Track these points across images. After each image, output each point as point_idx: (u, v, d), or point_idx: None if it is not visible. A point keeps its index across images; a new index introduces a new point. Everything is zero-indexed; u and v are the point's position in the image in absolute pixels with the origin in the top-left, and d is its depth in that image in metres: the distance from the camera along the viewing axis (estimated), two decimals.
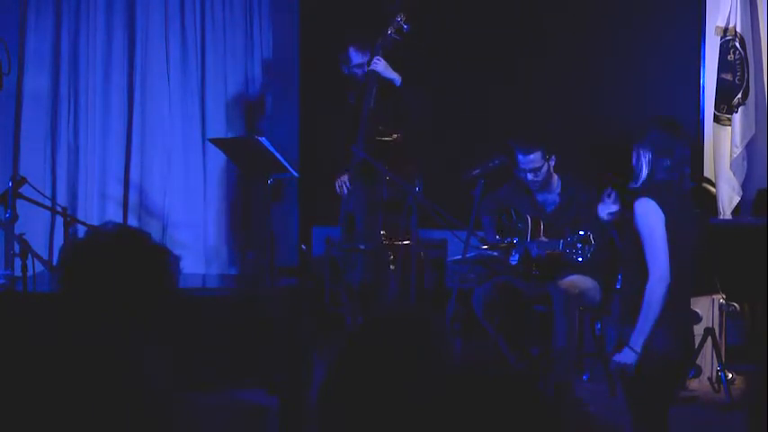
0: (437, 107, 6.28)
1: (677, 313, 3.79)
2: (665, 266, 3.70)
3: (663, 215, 3.71)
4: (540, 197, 5.71)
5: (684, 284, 3.83)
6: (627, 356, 3.71)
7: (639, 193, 3.78)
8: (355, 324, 6.11)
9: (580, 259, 4.97)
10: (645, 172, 3.79)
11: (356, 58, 6.18)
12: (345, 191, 6.15)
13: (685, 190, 3.85)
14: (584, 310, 5.56)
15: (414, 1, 6.12)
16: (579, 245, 4.94)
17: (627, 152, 3.87)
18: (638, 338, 3.69)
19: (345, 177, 6.15)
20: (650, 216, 3.72)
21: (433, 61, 6.57)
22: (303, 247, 6.84)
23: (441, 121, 6.69)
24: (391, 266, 5.92)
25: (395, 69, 6.03)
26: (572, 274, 5.49)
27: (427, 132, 6.17)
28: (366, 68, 6.10)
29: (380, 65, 6.01)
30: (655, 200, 3.73)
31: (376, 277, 6.02)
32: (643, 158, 3.80)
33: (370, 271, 6.05)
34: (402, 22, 6.02)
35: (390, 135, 6.03)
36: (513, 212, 5.70)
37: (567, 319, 5.34)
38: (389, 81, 6.02)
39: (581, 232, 4.95)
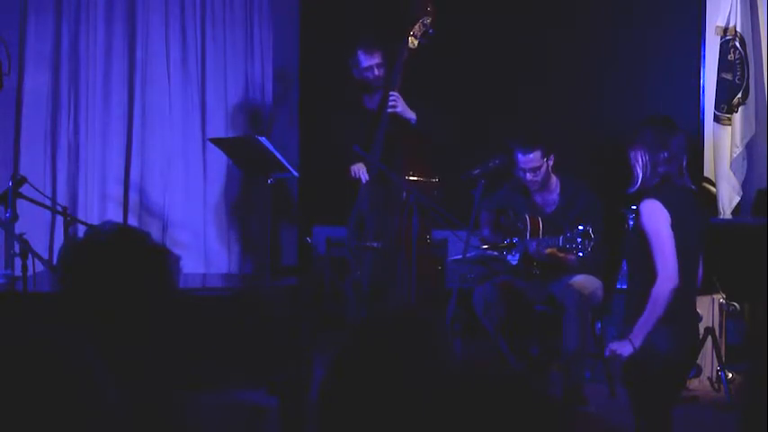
0: (437, 107, 6.27)
1: (682, 313, 3.79)
2: (673, 266, 3.70)
3: (668, 215, 3.72)
4: (538, 198, 5.70)
5: (690, 284, 3.83)
6: (624, 347, 3.72)
7: (644, 194, 3.78)
8: (357, 323, 6.08)
9: (581, 254, 4.96)
10: (641, 174, 3.80)
11: (365, 61, 6.13)
12: (364, 178, 6.03)
13: (692, 189, 3.86)
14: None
15: (440, 4, 6.06)
16: (579, 239, 4.93)
17: (626, 152, 3.87)
18: (639, 333, 3.69)
19: (362, 166, 6.04)
20: (656, 216, 3.73)
21: (432, 61, 6.56)
22: (309, 240, 6.77)
23: (440, 121, 6.68)
24: (401, 266, 5.86)
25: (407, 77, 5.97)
26: (576, 274, 5.49)
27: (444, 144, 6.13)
28: (375, 72, 6.09)
29: (399, 105, 5.94)
30: (659, 200, 3.73)
31: (387, 276, 5.97)
32: (640, 160, 3.80)
33: (381, 270, 5.99)
34: (429, 26, 5.97)
35: (427, 177, 5.97)
36: (510, 213, 5.70)
37: (581, 321, 5.33)
38: (407, 120, 5.98)
39: (580, 227, 4.95)
